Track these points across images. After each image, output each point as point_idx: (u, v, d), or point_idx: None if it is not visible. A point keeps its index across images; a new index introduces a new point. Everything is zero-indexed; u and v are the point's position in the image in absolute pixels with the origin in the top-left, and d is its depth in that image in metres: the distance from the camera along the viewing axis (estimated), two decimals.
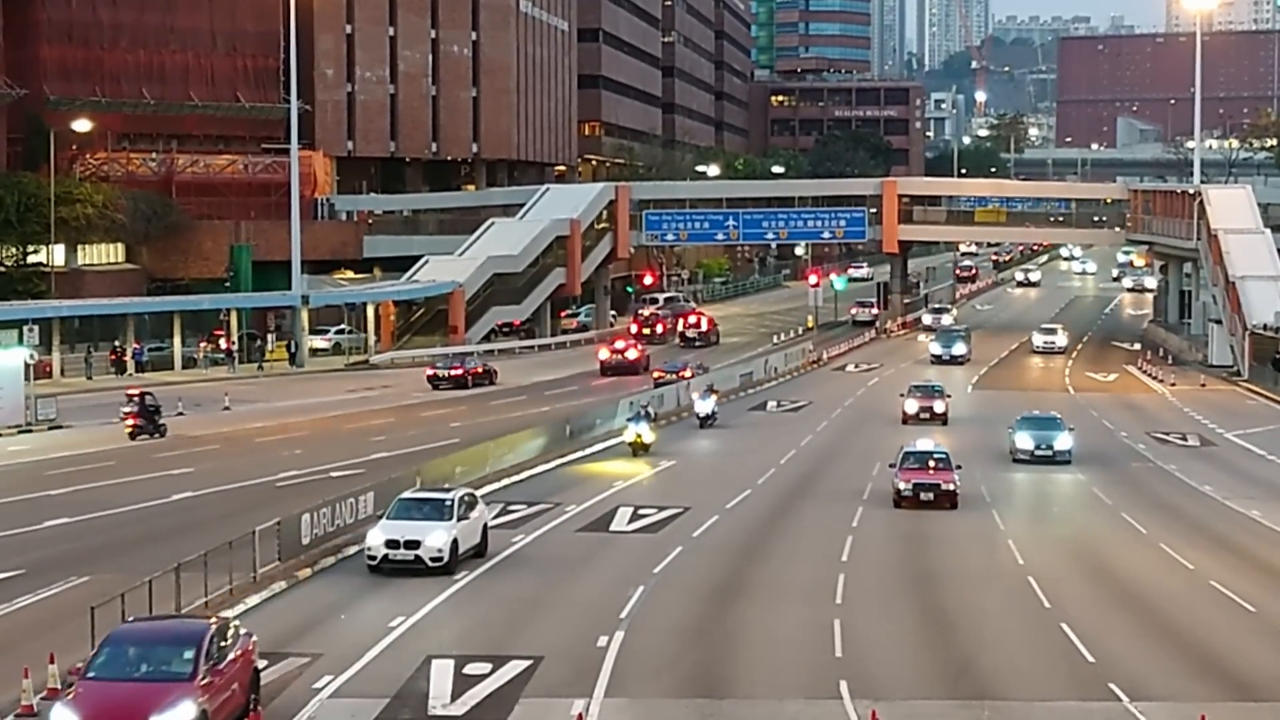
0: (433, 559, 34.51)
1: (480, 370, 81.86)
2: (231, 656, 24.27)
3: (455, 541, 35.04)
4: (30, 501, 45.31)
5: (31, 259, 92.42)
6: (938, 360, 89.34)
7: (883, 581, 35.52)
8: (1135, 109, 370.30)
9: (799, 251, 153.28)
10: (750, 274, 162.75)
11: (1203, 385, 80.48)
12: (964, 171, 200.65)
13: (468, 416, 66.63)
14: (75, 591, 32.91)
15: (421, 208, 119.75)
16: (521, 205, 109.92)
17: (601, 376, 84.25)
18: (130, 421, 59.57)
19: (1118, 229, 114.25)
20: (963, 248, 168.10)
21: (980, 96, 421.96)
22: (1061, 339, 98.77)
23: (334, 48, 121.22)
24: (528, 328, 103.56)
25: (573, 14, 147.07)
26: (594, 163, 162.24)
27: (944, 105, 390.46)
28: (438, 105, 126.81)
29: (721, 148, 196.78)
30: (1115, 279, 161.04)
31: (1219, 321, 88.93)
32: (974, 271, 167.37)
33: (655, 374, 78.55)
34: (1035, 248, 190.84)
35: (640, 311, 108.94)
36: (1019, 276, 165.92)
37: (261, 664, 27.65)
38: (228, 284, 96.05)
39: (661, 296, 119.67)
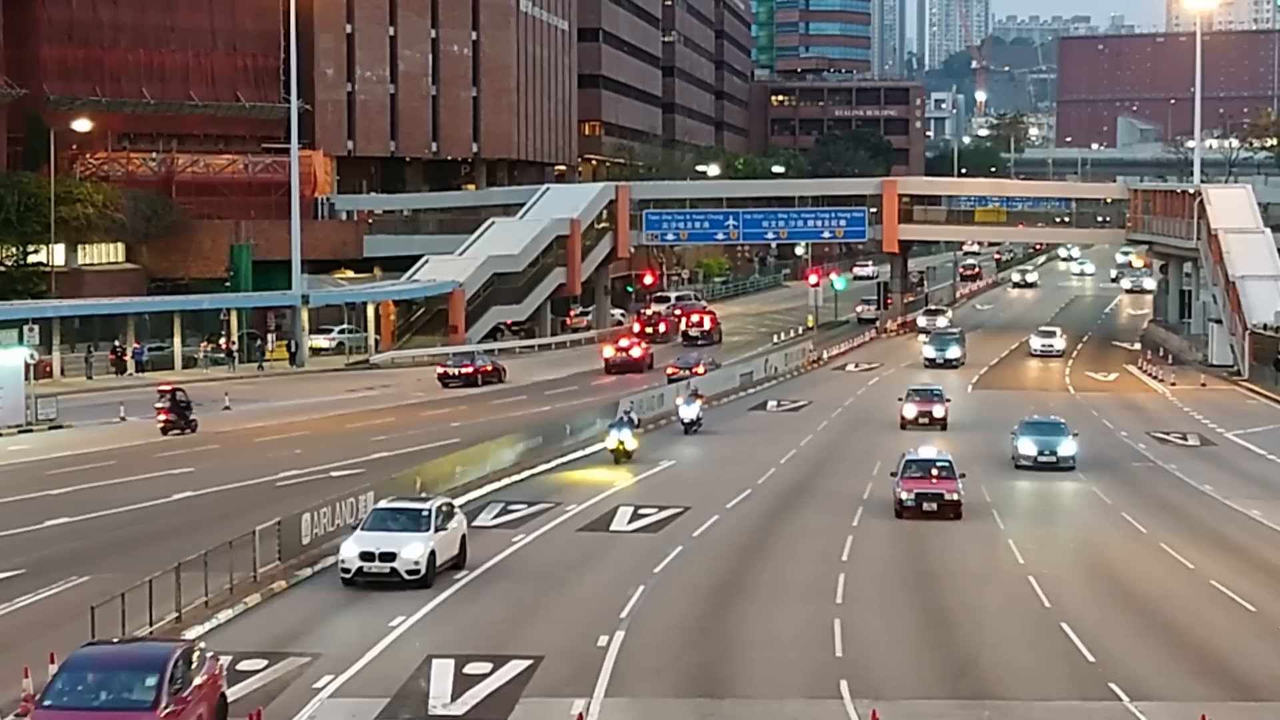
0: (409, 572, 33.25)
1: (490, 368, 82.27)
2: (198, 682, 23.07)
3: (433, 553, 33.81)
4: (30, 501, 45.33)
5: (32, 259, 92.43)
6: (931, 364, 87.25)
7: (883, 581, 35.52)
8: (1135, 109, 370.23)
9: (799, 251, 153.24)
10: (750, 274, 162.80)
11: (1203, 385, 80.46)
12: (964, 171, 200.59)
13: (467, 416, 66.61)
14: (75, 591, 32.92)
15: (421, 207, 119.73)
16: (521, 205, 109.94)
17: (606, 374, 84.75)
18: (162, 417, 60.65)
19: (1118, 228, 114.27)
20: (965, 246, 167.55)
21: (980, 96, 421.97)
22: (1060, 342, 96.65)
23: (334, 47, 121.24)
24: (527, 327, 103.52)
25: (573, 13, 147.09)
26: (594, 162, 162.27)
27: (944, 105, 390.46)
28: (438, 105, 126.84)
29: (721, 147, 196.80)
30: (1114, 279, 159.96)
31: (1219, 321, 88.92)
32: (977, 270, 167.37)
33: (669, 370, 79.28)
34: (1036, 247, 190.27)
35: (643, 310, 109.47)
36: (1015, 278, 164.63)
37: (261, 664, 27.76)
38: (228, 284, 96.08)
39: (673, 295, 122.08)
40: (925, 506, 42.46)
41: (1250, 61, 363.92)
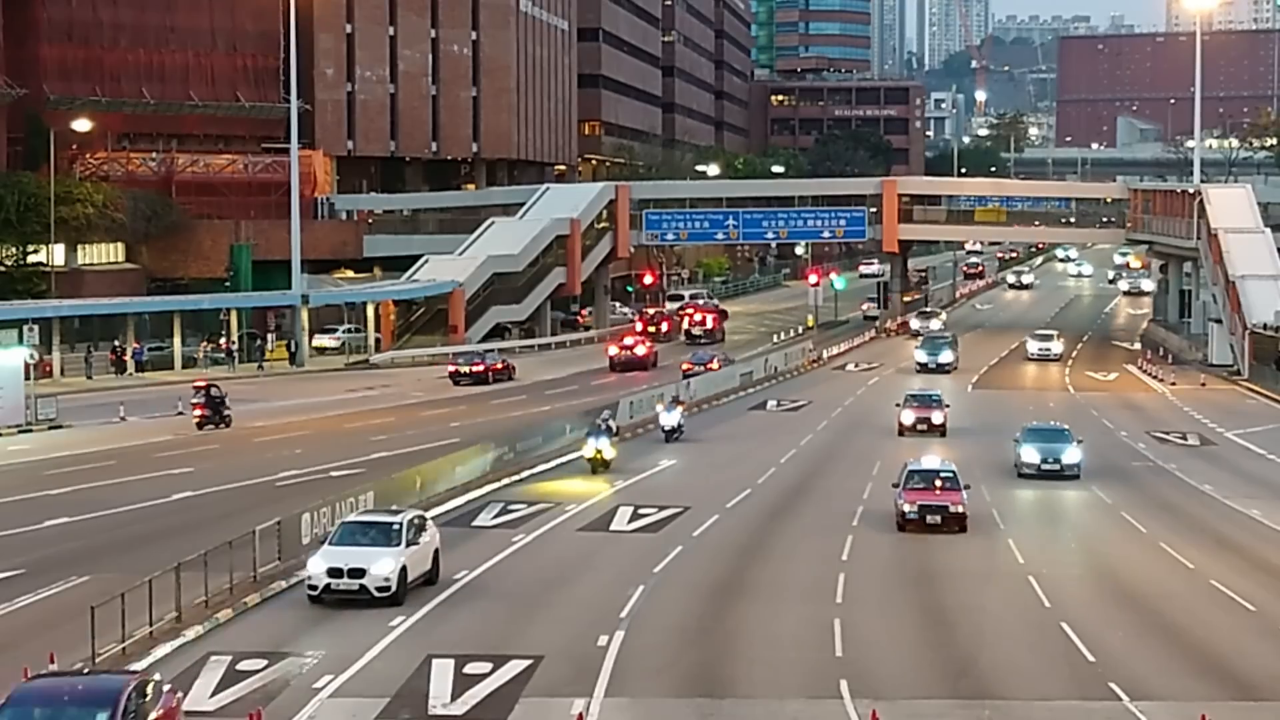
0: (379, 589, 31.70)
1: (501, 366, 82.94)
2: (153, 717, 21.66)
3: (404, 569, 32.21)
4: (30, 501, 45.33)
5: (31, 259, 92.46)
6: (923, 369, 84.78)
7: (883, 581, 35.51)
8: (1135, 108, 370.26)
9: (799, 251, 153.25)
10: (750, 273, 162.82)
11: (1203, 384, 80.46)
12: (964, 171, 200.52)
13: (467, 416, 66.62)
14: (75, 591, 32.91)
15: (421, 207, 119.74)
16: (521, 205, 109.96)
17: (611, 372, 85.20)
18: (198, 412, 61.91)
19: (1118, 228, 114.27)
20: (968, 245, 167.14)
21: (980, 96, 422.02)
22: (1057, 345, 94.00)
23: (334, 47, 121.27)
24: (527, 327, 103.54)
25: (573, 13, 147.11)
26: (594, 162, 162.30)
27: (944, 105, 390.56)
28: (438, 105, 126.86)
29: (721, 147, 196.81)
30: (1111, 281, 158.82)
31: (1219, 321, 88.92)
32: (980, 268, 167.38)
33: (684, 366, 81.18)
34: (1039, 246, 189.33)
35: (646, 309, 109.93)
36: (1010, 279, 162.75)
37: (260, 664, 27.76)
38: (228, 283, 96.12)
39: (686, 293, 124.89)
40: (929, 519, 40.59)
41: (1250, 61, 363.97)
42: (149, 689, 21.85)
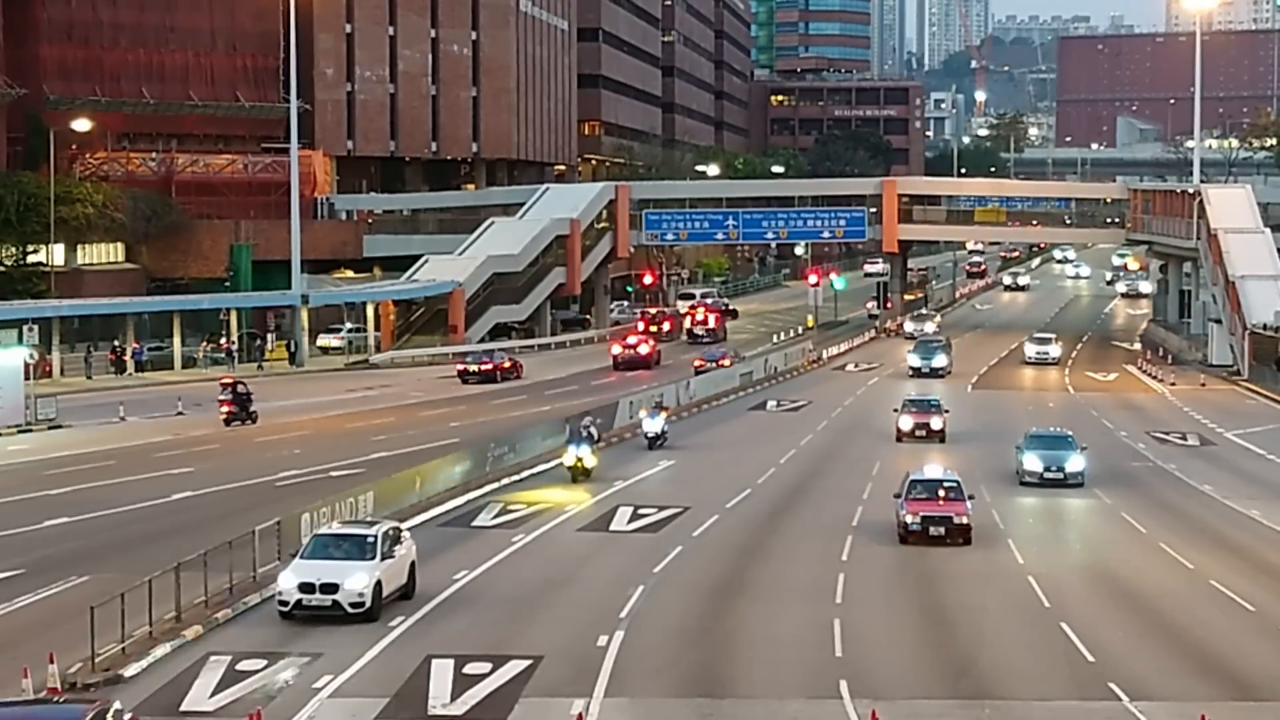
0: (353, 604, 30.51)
1: (509, 364, 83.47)
2: None
3: (379, 584, 30.99)
4: (30, 501, 45.33)
5: (31, 259, 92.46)
6: (916, 373, 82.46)
7: (883, 580, 35.50)
8: (1135, 108, 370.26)
9: (799, 251, 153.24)
10: (750, 274, 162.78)
11: (1202, 385, 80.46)
12: (964, 171, 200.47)
13: (467, 416, 66.62)
14: (75, 591, 32.91)
15: (421, 207, 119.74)
16: (521, 205, 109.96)
17: (614, 371, 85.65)
18: (225, 409, 63.29)
19: (1118, 228, 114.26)
20: (970, 245, 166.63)
21: (980, 96, 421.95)
22: (1055, 349, 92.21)
23: (334, 47, 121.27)
24: (526, 327, 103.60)
25: (572, 13, 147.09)
26: (594, 162, 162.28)
27: (944, 105, 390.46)
28: (437, 105, 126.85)
29: (721, 147, 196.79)
30: (1109, 283, 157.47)
31: (1219, 321, 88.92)
32: (983, 267, 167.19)
33: (696, 362, 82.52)
34: (1042, 246, 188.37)
35: (647, 309, 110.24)
36: (1007, 280, 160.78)
37: (260, 664, 27.77)
38: (227, 283, 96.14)
39: (698, 292, 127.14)
40: (932, 531, 39.08)
41: (1250, 61, 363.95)
42: (109, 717, 20.82)
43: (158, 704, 25.83)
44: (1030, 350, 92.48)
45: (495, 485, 47.87)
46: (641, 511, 43.65)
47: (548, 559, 37.84)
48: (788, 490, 48.44)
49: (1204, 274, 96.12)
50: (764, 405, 72.20)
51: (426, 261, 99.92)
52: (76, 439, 59.74)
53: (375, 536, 31.90)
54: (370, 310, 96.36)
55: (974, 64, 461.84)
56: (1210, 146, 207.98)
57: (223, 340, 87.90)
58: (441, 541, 39.73)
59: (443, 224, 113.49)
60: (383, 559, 31.54)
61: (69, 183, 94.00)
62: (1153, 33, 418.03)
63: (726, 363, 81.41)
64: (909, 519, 39.32)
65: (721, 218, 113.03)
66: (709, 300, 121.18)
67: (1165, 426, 65.19)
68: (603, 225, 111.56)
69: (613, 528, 41.81)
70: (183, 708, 25.72)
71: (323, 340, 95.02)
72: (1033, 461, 49.14)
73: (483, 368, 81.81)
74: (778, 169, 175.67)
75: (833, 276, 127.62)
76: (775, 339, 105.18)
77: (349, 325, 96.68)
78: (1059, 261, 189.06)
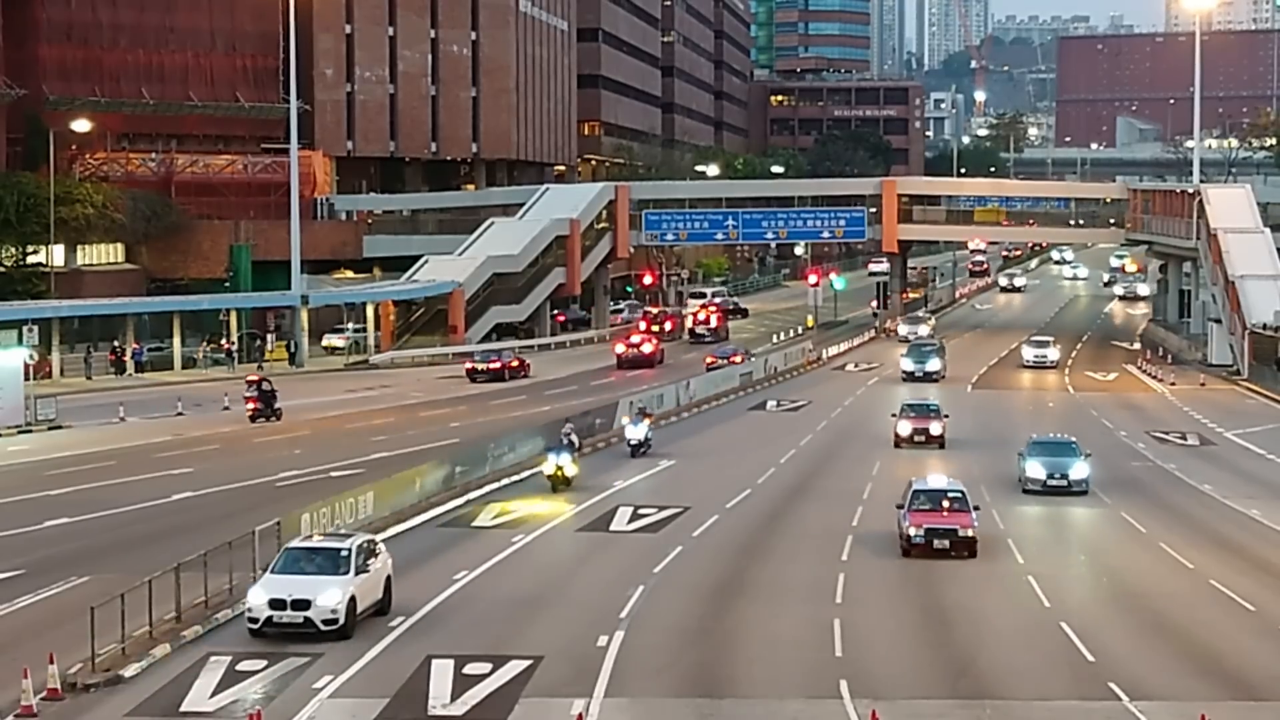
0: (325, 621, 29.20)
1: (516, 363, 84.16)
2: None
3: (353, 599, 29.74)
4: (30, 501, 45.34)
5: (31, 259, 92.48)
6: (910, 377, 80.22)
7: (883, 581, 35.50)
8: (1134, 108, 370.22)
9: (798, 251, 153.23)
10: (750, 274, 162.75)
11: (1202, 384, 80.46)
12: (963, 171, 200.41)
13: (467, 416, 66.63)
14: (75, 591, 32.93)
15: (421, 207, 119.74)
16: (521, 205, 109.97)
17: (613, 371, 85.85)
18: (251, 405, 64.55)
19: (1117, 228, 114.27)
20: (971, 244, 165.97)
21: (980, 96, 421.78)
22: (1054, 352, 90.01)
23: (333, 47, 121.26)
24: (526, 327, 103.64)
25: (572, 14, 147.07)
26: (593, 162, 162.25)
27: (943, 105, 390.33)
28: (437, 105, 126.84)
29: (721, 147, 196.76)
30: (1106, 284, 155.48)
31: (1218, 321, 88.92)
32: (985, 266, 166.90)
33: (708, 360, 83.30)
34: (1043, 246, 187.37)
35: (649, 309, 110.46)
36: (1003, 282, 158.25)
37: (260, 664, 27.77)
38: (227, 284, 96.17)
39: (709, 291, 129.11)
40: (936, 544, 37.40)
41: (1249, 61, 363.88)
42: None
43: (158, 704, 25.86)
44: (1028, 354, 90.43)
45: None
46: (641, 512, 43.66)
47: (547, 559, 37.87)
48: (788, 490, 48.44)
49: (1204, 274, 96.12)
50: (764, 405, 72.19)
51: (426, 262, 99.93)
52: (76, 439, 59.75)
53: (349, 550, 30.60)
54: (370, 311, 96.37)
55: (973, 64, 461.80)
56: (1210, 146, 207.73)
57: (223, 341, 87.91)
58: (441, 542, 39.78)
59: (442, 224, 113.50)
60: (357, 573, 30.27)
61: (69, 183, 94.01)
62: (1152, 33, 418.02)
63: (738, 360, 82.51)
64: (912, 531, 37.59)
65: (721, 218, 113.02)
66: (719, 299, 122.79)
67: (1165, 426, 65.19)
68: (602, 225, 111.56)
69: (613, 528, 41.82)
70: (183, 708, 25.73)
71: (328, 340, 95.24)
72: (1036, 468, 47.85)
73: (491, 366, 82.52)
74: (777, 169, 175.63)
75: (832, 276, 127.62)
76: (775, 339, 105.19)
77: (353, 325, 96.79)
78: (1056, 262, 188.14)
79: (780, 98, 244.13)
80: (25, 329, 74.15)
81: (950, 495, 38.59)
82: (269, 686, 26.71)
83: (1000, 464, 52.10)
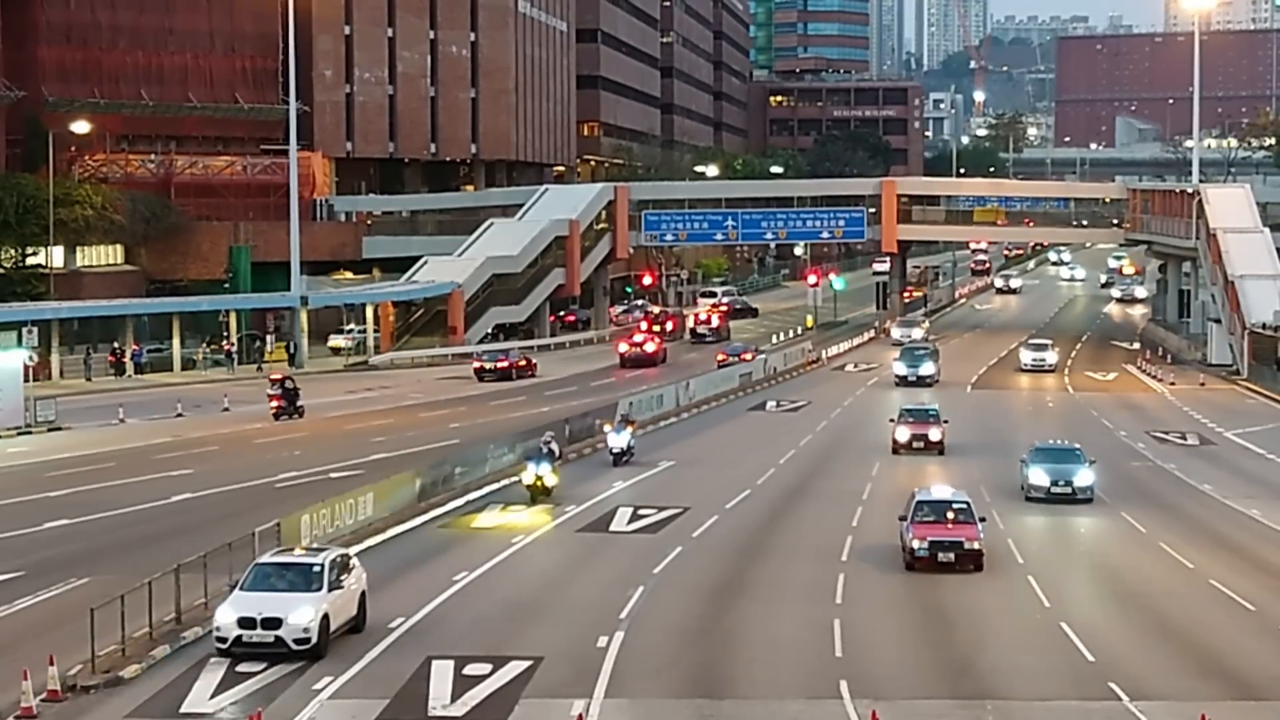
0: (297, 641, 27.82)
1: (524, 362, 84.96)
2: None
3: (326, 617, 28.36)
4: (30, 503, 45.32)
5: (30, 260, 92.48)
6: (903, 382, 78.41)
7: (883, 581, 35.48)
8: (1134, 108, 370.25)
9: (798, 251, 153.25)
10: (749, 274, 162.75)
11: (1202, 384, 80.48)
12: (963, 171, 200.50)
13: (467, 418, 66.62)
14: (75, 593, 32.91)
15: (420, 208, 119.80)
16: (520, 206, 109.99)
17: (614, 371, 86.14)
18: (274, 403, 65.91)
19: (1117, 228, 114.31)
20: (973, 245, 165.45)
21: (979, 96, 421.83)
22: (1052, 355, 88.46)
23: (333, 49, 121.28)
24: (525, 328, 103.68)
25: (571, 14, 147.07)
26: (593, 163, 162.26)
27: (942, 105, 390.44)
28: (436, 106, 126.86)
29: (720, 148, 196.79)
30: (1104, 285, 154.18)
31: (1218, 320, 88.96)
32: (987, 265, 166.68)
33: (720, 356, 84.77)
34: (1044, 246, 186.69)
35: (651, 309, 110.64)
36: (999, 283, 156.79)
37: (261, 665, 27.75)
38: (227, 285, 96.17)
39: (719, 290, 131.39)
40: (941, 557, 35.89)
41: (1248, 61, 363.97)
42: None
43: (158, 706, 25.85)
44: (1026, 357, 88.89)
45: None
46: (641, 512, 43.64)
47: (547, 560, 37.86)
48: (787, 491, 48.43)
49: (1203, 274, 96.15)
50: (763, 406, 72.19)
51: (426, 263, 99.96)
52: (76, 441, 59.74)
53: (322, 565, 29.22)
54: (369, 312, 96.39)
55: (973, 64, 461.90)
56: (1209, 146, 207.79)
57: (223, 342, 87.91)
58: (441, 542, 39.78)
59: (442, 225, 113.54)
60: (330, 590, 28.88)
61: (68, 185, 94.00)
62: (1151, 33, 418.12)
63: (748, 357, 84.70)
64: (916, 544, 36.05)
65: (721, 218, 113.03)
66: (729, 299, 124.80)
67: (1165, 426, 65.19)
68: (602, 226, 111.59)
69: (612, 528, 41.80)
70: (183, 709, 25.73)
71: (333, 341, 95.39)
72: (1039, 475, 46.48)
73: (498, 365, 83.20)
74: (777, 169, 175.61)
75: (832, 277, 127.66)
76: (775, 339, 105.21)
77: (359, 326, 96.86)
78: (1054, 263, 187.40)
79: (779, 98, 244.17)
80: (25, 330, 74.12)
81: (955, 506, 37.16)
82: (269, 688, 26.69)
83: (1002, 470, 50.92)
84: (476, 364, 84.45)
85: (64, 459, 54.35)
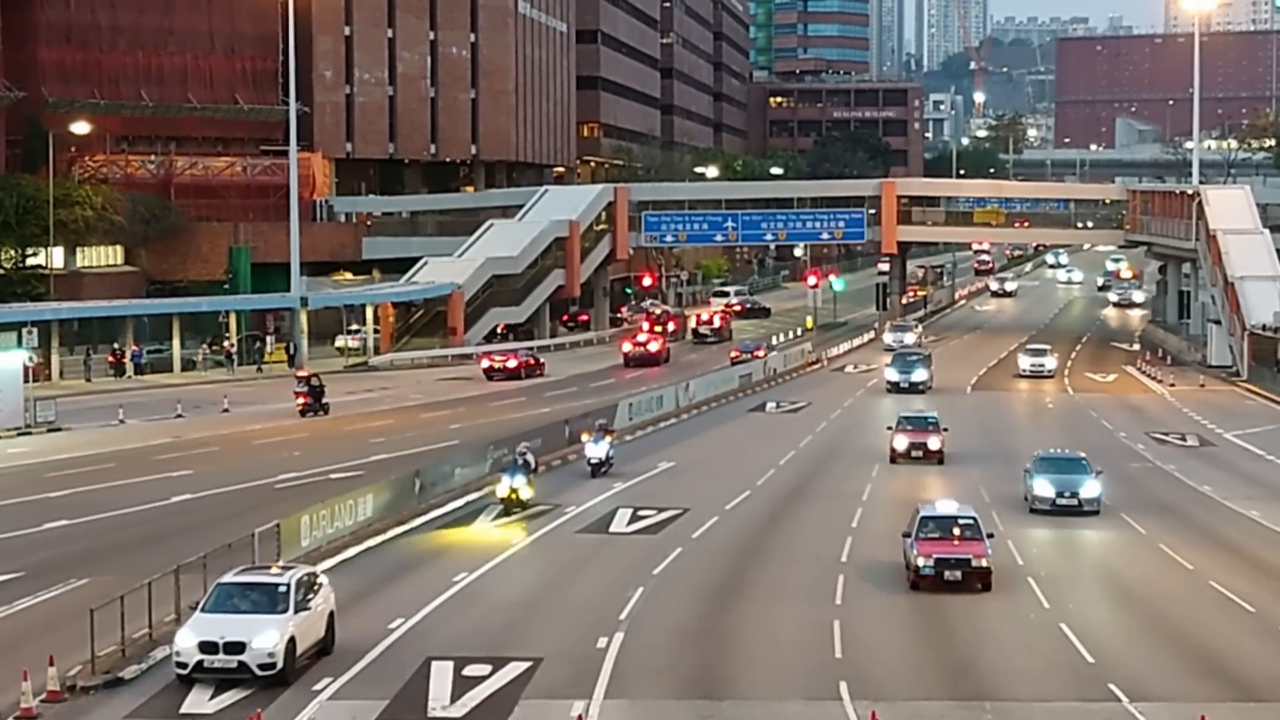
0: (261, 665, 26.50)
1: (532, 361, 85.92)
2: None
3: (292, 640, 26.95)
4: (30, 503, 45.33)
5: (30, 261, 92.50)
6: (895, 388, 76.25)
7: (883, 582, 35.46)
8: (1134, 109, 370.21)
9: (798, 253, 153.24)
10: (749, 275, 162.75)
11: (1202, 385, 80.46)
12: (963, 172, 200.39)
13: (467, 418, 66.60)
14: (75, 594, 32.91)
15: (420, 209, 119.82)
16: (520, 206, 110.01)
17: (617, 371, 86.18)
18: (301, 401, 67.39)
19: (1116, 229, 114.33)
20: (975, 245, 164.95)
21: (979, 97, 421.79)
22: (1051, 361, 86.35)
23: (333, 49, 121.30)
24: (525, 329, 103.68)
25: (571, 15, 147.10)
26: (593, 164, 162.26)
27: (942, 106, 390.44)
28: (436, 107, 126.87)
29: (720, 149, 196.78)
30: (1101, 289, 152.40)
31: (1218, 322, 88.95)
32: (990, 265, 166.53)
33: (732, 354, 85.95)
34: (1045, 246, 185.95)
35: (651, 309, 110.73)
36: (994, 286, 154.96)
37: None
38: (227, 286, 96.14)
39: (731, 290, 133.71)
40: (947, 575, 34.15)
41: (1248, 62, 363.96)
42: None
43: (158, 707, 25.86)
44: (1024, 363, 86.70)
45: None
46: (641, 513, 43.65)
47: (547, 561, 37.86)
48: (787, 492, 48.43)
49: (1203, 275, 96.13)
50: (763, 407, 72.19)
51: (426, 263, 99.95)
52: (76, 442, 59.73)
53: (287, 585, 27.81)
54: (369, 312, 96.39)
55: (973, 65, 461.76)
56: (1209, 147, 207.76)
57: (223, 343, 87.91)
58: (440, 543, 39.76)
59: (442, 226, 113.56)
60: (296, 611, 27.45)
61: (68, 185, 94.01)
62: (1151, 34, 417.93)
63: (761, 354, 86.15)
64: (921, 562, 34.36)
65: (721, 219, 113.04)
66: (741, 299, 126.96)
67: (1164, 427, 65.17)
68: (602, 227, 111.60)
69: (612, 529, 41.80)
70: (183, 710, 25.73)
71: (340, 341, 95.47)
72: (1044, 486, 44.79)
73: (508, 365, 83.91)
74: (777, 170, 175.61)
75: (832, 278, 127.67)
76: (774, 340, 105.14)
77: (365, 327, 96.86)
78: (1051, 266, 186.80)
79: (779, 99, 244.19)
80: (25, 331, 74.06)
81: (961, 522, 35.45)
82: (269, 689, 26.65)
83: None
84: (486, 363, 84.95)
85: (64, 460, 54.35)
